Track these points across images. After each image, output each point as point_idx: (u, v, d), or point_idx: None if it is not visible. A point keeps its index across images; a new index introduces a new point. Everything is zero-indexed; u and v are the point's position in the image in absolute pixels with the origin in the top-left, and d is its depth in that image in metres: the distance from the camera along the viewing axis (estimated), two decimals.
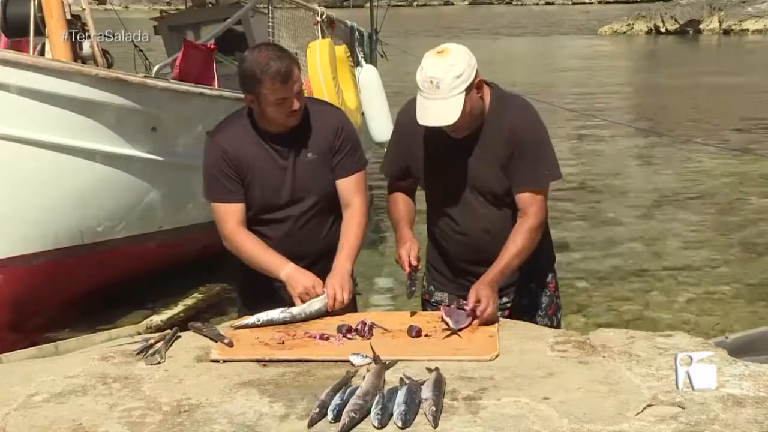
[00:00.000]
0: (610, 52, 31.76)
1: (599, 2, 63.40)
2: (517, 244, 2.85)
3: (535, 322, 3.03)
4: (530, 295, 3.14)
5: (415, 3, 69.49)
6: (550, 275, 3.20)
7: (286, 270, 2.96)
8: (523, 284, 3.11)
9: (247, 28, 8.43)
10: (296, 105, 2.90)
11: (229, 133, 3.06)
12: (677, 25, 38.83)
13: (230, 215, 3.03)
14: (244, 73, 2.89)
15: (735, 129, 14.55)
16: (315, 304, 2.88)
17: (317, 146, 3.03)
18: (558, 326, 3.17)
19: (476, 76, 2.76)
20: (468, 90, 2.72)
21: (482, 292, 2.73)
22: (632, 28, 39.86)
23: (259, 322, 2.81)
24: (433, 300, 3.22)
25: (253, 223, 3.09)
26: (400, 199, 3.11)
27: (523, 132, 2.86)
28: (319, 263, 3.10)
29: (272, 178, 3.02)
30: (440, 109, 2.72)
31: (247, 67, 2.88)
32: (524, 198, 2.88)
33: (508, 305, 3.09)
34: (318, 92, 7.38)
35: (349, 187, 3.09)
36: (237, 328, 2.80)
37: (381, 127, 8.60)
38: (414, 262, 2.90)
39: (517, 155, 2.85)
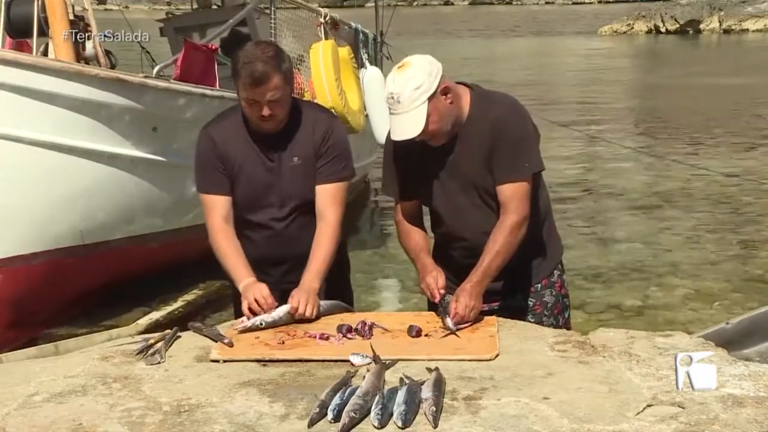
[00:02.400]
0: (610, 52, 31.75)
1: (599, 2, 63.40)
2: (497, 243, 2.83)
3: (541, 322, 3.02)
4: (533, 295, 3.11)
5: (415, 3, 69.49)
6: (556, 274, 3.17)
7: (245, 283, 2.94)
8: (526, 283, 3.10)
9: (252, 30, 8.40)
10: (266, 112, 2.87)
11: (220, 127, 3.07)
12: (677, 25, 38.87)
13: (216, 208, 3.03)
14: (232, 61, 2.91)
15: (734, 129, 14.54)
16: (278, 313, 2.83)
17: (304, 151, 3.02)
18: (566, 326, 3.13)
19: (441, 83, 2.76)
20: (431, 98, 2.73)
21: (461, 302, 2.74)
22: (632, 28, 39.90)
23: (255, 325, 2.79)
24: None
25: (238, 223, 3.09)
26: (412, 228, 3.07)
27: (507, 126, 2.86)
28: (303, 266, 3.07)
29: (257, 177, 3.02)
30: (405, 122, 2.75)
31: (237, 56, 2.89)
32: (505, 191, 2.86)
33: (511, 305, 3.07)
34: (320, 93, 7.37)
35: (325, 197, 3.05)
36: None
37: (385, 129, 8.55)
38: (442, 291, 2.88)
39: (499, 147, 2.85)
